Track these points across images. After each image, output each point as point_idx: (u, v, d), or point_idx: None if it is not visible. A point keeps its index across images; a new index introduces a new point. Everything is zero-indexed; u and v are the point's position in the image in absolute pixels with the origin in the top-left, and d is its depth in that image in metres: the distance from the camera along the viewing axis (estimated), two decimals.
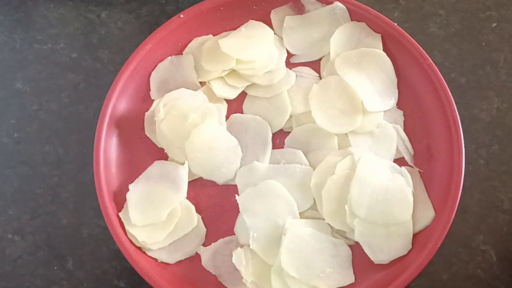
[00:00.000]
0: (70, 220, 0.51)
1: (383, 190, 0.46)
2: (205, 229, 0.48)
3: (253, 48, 0.51)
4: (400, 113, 0.51)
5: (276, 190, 0.48)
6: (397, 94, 0.51)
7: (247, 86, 0.51)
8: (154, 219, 0.47)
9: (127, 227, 0.47)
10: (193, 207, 0.48)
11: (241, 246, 0.47)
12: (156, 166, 0.49)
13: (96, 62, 0.57)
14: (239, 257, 0.46)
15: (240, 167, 0.49)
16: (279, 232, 0.46)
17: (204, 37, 0.53)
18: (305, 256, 0.45)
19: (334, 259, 0.46)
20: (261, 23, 0.53)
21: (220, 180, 0.49)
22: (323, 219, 0.47)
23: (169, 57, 0.53)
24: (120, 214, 0.47)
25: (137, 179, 0.49)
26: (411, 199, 0.47)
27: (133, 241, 0.47)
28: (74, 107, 0.55)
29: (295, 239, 0.46)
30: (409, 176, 0.48)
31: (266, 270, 0.46)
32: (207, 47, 0.53)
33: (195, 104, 0.50)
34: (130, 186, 0.48)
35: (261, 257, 0.46)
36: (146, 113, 0.51)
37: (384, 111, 0.50)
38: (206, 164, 0.49)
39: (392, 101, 0.51)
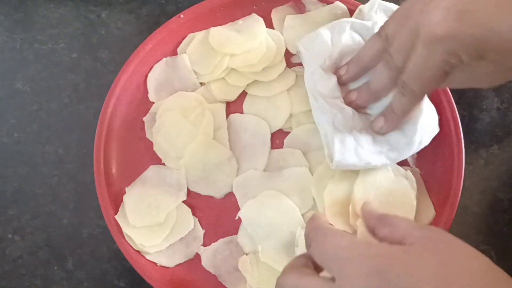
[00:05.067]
0: (70, 220, 0.51)
1: (387, 192, 0.46)
2: (203, 231, 0.48)
3: (244, 39, 0.51)
4: None
5: (276, 199, 0.47)
6: None
7: (247, 85, 0.51)
8: (150, 221, 0.47)
9: (124, 230, 0.47)
10: (189, 210, 0.48)
11: (246, 254, 0.47)
12: (152, 171, 0.49)
13: (96, 62, 0.56)
14: (244, 265, 0.46)
15: (238, 168, 0.49)
16: (286, 240, 0.46)
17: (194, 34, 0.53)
18: None
19: None
20: (253, 14, 0.53)
21: (217, 194, 0.49)
22: None
23: (164, 58, 0.52)
24: (116, 216, 0.47)
25: (133, 182, 0.49)
26: (415, 202, 0.46)
27: (131, 243, 0.46)
28: (74, 107, 0.55)
29: None
30: (413, 179, 0.47)
31: (272, 275, 0.46)
32: (196, 49, 0.52)
33: (190, 107, 0.50)
34: (127, 189, 0.48)
35: (273, 267, 0.46)
36: (144, 118, 0.51)
37: None
38: (202, 180, 0.49)
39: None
